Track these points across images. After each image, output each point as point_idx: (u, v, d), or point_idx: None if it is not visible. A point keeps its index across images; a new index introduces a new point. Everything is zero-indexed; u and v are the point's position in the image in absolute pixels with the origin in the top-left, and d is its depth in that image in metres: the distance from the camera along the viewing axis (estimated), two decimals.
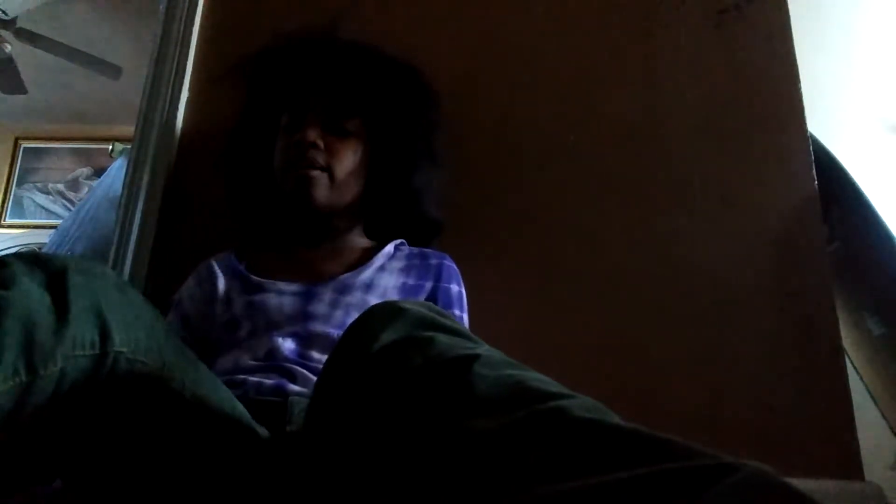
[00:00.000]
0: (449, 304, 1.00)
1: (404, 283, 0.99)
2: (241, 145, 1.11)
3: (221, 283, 0.99)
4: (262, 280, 0.97)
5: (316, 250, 1.03)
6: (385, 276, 0.99)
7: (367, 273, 0.98)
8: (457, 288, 1.03)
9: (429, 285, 1.00)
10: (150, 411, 0.61)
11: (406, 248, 1.06)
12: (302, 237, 1.04)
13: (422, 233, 1.10)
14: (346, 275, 0.97)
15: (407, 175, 1.05)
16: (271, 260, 1.03)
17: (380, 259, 1.01)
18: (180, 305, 1.02)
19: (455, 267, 1.05)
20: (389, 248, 1.03)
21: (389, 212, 1.07)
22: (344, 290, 0.95)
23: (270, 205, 1.07)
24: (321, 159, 0.98)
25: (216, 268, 1.03)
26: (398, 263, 1.02)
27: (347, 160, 1.00)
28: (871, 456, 1.08)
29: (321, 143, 0.98)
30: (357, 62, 1.06)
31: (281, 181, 1.02)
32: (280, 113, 1.06)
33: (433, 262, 1.03)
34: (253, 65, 1.12)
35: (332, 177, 0.99)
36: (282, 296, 0.94)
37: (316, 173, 0.97)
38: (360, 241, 1.07)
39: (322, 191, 0.98)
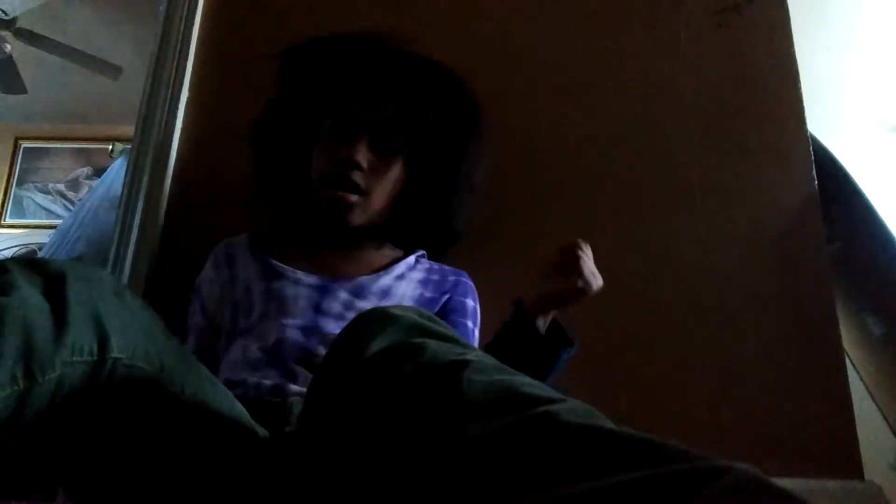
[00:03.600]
0: (463, 316, 1.00)
1: (421, 295, 0.99)
2: (276, 137, 1.08)
3: (241, 267, 0.99)
4: (283, 267, 0.96)
5: (338, 249, 1.02)
6: (403, 286, 0.98)
7: (385, 279, 0.97)
8: (472, 303, 1.03)
9: (445, 297, 1.00)
10: (148, 415, 0.61)
11: (426, 262, 1.05)
12: (326, 240, 1.03)
13: (440, 243, 1.10)
14: (364, 277, 0.97)
15: (444, 202, 1.05)
16: (292, 250, 1.02)
17: (400, 268, 1.00)
18: (199, 291, 1.02)
19: (472, 284, 1.05)
20: (411, 259, 1.03)
21: (417, 227, 1.06)
22: (360, 292, 0.95)
23: (300, 204, 1.05)
24: (362, 182, 0.96)
25: (235, 251, 1.02)
26: (418, 275, 1.01)
27: (388, 184, 0.99)
28: (871, 456, 1.08)
29: (365, 165, 0.96)
30: (419, 83, 1.02)
31: (316, 195, 0.99)
32: (324, 110, 1.02)
33: (451, 278, 1.03)
34: (307, 52, 1.07)
35: (368, 200, 0.97)
36: (298, 286, 0.94)
37: (354, 198, 0.95)
38: (382, 246, 1.06)
39: (357, 215, 0.97)
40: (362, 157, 0.95)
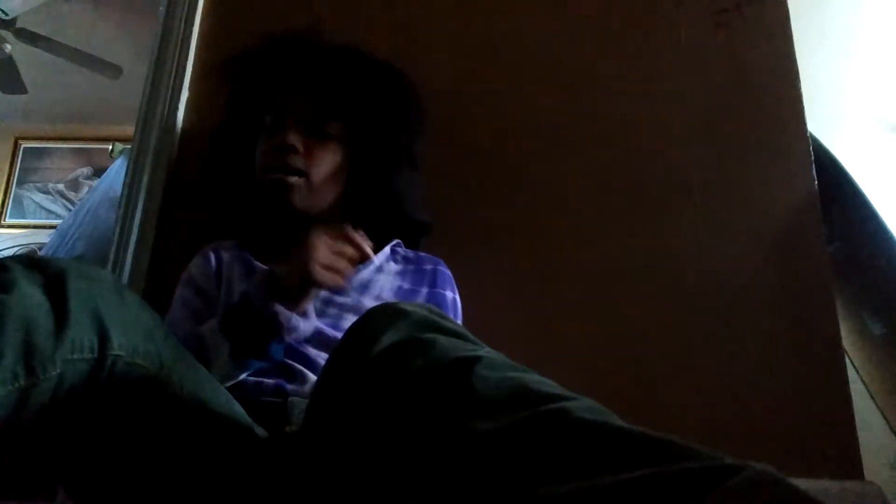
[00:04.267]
0: (444, 309, 1.00)
1: (400, 287, 0.99)
2: (226, 145, 1.12)
3: (226, 267, 1.01)
4: (264, 268, 0.97)
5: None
6: (382, 278, 0.99)
7: (364, 273, 0.98)
8: (451, 294, 1.03)
9: (424, 290, 1.00)
10: (148, 414, 0.61)
11: (402, 251, 1.06)
12: (292, 236, 1.04)
13: (409, 234, 1.10)
14: None
15: (387, 179, 1.05)
16: (274, 251, 1.03)
17: (378, 259, 1.01)
18: (192, 280, 1.03)
19: (449, 273, 1.05)
20: (387, 249, 1.03)
21: (371, 214, 1.06)
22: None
23: (257, 205, 1.07)
24: (299, 163, 0.97)
25: (222, 251, 1.04)
26: (395, 266, 1.02)
27: (325, 164, 1.00)
28: (871, 456, 1.08)
29: (300, 147, 0.98)
30: (340, 65, 1.06)
31: (261, 184, 1.02)
32: (263, 114, 1.06)
33: (428, 267, 1.03)
34: (237, 64, 1.12)
35: (309, 181, 0.98)
36: None
37: (293, 179, 0.97)
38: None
39: (298, 196, 0.98)
40: (295, 139, 0.98)
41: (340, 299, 0.94)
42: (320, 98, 1.02)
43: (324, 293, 0.94)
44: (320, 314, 0.92)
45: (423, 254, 1.07)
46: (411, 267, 1.03)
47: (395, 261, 1.03)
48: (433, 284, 1.01)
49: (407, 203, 1.07)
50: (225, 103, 1.14)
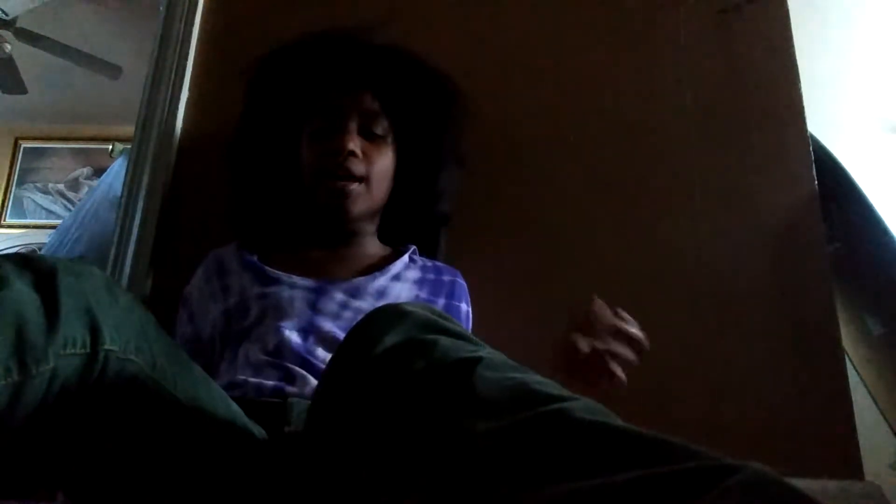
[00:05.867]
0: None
1: (417, 296, 0.99)
2: (254, 146, 1.09)
3: (233, 276, 0.99)
4: (278, 273, 0.97)
5: (330, 251, 1.02)
6: (398, 286, 0.98)
7: (381, 280, 0.97)
8: (465, 307, 1.03)
9: (441, 302, 1.00)
10: (142, 411, 0.61)
11: (420, 260, 1.05)
12: (319, 240, 1.03)
13: (431, 225, 1.11)
14: (360, 278, 0.97)
15: (434, 177, 1.06)
16: (283, 256, 1.02)
17: (396, 267, 1.00)
18: (188, 301, 1.02)
19: (465, 285, 1.05)
20: (405, 258, 1.03)
21: (410, 212, 1.08)
22: (356, 293, 0.95)
23: (287, 208, 1.06)
24: (360, 169, 0.97)
25: (225, 260, 1.02)
26: (413, 275, 1.01)
27: (383, 167, 1.00)
28: (871, 456, 1.08)
29: (359, 152, 0.97)
30: (391, 64, 1.05)
31: (313, 190, 1.00)
32: (303, 113, 1.03)
33: (446, 278, 1.03)
34: (272, 63, 1.09)
35: (368, 186, 0.98)
36: (294, 289, 0.94)
37: (354, 186, 0.97)
38: (374, 245, 1.06)
39: (358, 203, 0.98)
40: (355, 144, 0.97)
41: (356, 303, 0.93)
42: (377, 98, 1.02)
43: (340, 295, 0.94)
44: (335, 317, 0.91)
45: (441, 264, 1.06)
46: (430, 276, 1.02)
47: (413, 269, 1.02)
48: (450, 296, 1.01)
49: (444, 200, 1.09)
50: (254, 102, 1.11)
